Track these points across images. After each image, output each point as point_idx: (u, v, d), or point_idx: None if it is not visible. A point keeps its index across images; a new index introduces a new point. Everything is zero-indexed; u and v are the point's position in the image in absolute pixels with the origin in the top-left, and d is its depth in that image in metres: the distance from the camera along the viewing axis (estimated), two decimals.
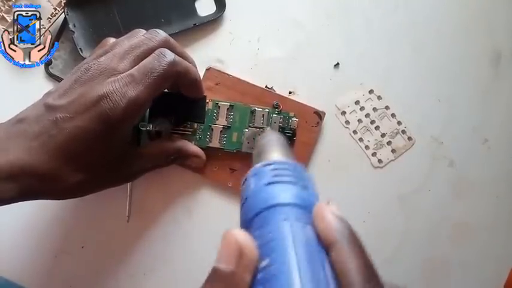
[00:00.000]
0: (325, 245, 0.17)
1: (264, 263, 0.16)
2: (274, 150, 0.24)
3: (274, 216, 0.18)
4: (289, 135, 0.42)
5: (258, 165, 0.22)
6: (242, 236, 0.17)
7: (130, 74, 0.32)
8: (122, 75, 0.32)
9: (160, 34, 0.35)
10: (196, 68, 0.39)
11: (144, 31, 0.36)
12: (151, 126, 0.39)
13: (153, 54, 0.33)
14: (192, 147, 0.40)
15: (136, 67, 0.32)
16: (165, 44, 0.35)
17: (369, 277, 0.16)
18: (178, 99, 0.40)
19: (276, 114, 0.42)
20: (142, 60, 0.33)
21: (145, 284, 0.43)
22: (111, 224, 0.43)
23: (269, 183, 0.20)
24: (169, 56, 0.33)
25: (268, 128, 0.41)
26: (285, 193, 0.20)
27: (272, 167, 0.21)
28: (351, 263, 0.17)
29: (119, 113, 0.31)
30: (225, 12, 0.44)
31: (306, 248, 0.17)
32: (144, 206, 0.43)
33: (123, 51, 0.33)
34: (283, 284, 0.15)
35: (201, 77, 0.43)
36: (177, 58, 0.34)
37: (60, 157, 0.31)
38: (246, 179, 0.22)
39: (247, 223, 0.19)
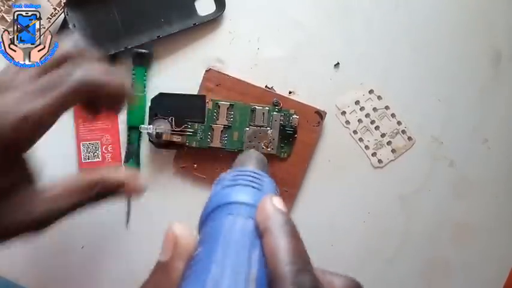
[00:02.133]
0: (260, 234, 0.18)
1: (196, 251, 0.17)
2: (247, 163, 0.25)
3: (221, 213, 0.19)
4: (290, 133, 0.42)
5: (223, 174, 0.23)
6: (178, 228, 0.18)
7: (28, 88, 0.26)
8: (18, 89, 0.26)
9: (70, 41, 0.28)
10: (122, 79, 0.29)
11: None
12: (151, 128, 0.39)
13: (61, 67, 0.27)
14: (116, 174, 0.29)
15: (37, 81, 0.26)
16: (76, 52, 0.28)
17: (297, 259, 0.16)
18: (177, 100, 0.40)
19: (276, 112, 0.42)
20: (48, 71, 0.27)
21: None
22: (111, 224, 0.43)
23: (226, 187, 0.21)
24: (79, 71, 0.26)
25: (252, 150, 0.41)
26: (236, 194, 0.20)
27: (232, 174, 0.22)
28: (278, 246, 0.17)
29: (6, 130, 0.24)
30: (224, 11, 0.44)
31: (238, 237, 0.17)
32: (144, 207, 0.43)
33: None
34: (203, 267, 0.16)
35: (201, 78, 0.43)
36: (90, 72, 0.26)
37: None
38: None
39: (201, 225, 0.20)
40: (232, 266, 0.16)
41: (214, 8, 0.44)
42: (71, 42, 0.28)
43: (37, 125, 0.25)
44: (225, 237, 0.17)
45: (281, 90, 0.44)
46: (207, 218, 0.20)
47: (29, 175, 0.27)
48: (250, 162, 0.25)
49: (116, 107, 0.29)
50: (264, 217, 0.18)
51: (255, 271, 0.16)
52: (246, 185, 0.21)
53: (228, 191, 0.20)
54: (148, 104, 0.42)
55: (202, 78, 0.43)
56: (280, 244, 0.17)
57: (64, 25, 0.43)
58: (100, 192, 0.28)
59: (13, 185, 0.26)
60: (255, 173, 0.22)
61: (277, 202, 0.19)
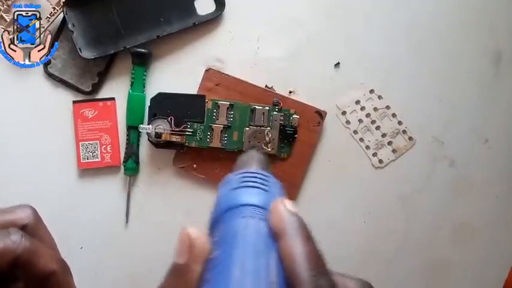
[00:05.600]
0: (275, 237, 0.18)
1: (214, 254, 0.18)
2: (250, 164, 0.25)
3: (233, 216, 0.20)
4: (291, 133, 0.42)
5: (229, 175, 0.23)
6: (194, 231, 0.18)
7: None
8: None
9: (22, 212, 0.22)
10: (57, 258, 0.22)
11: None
12: (150, 128, 0.39)
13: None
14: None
15: None
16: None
17: (314, 264, 0.17)
18: (176, 100, 0.40)
19: (276, 112, 0.42)
20: None
21: (145, 284, 0.42)
22: (110, 224, 0.43)
23: (234, 189, 0.21)
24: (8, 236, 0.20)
25: (253, 150, 0.42)
26: (246, 196, 0.21)
27: (241, 175, 0.23)
28: (295, 250, 0.17)
29: None
30: (224, 11, 0.44)
31: (255, 239, 0.18)
32: (143, 207, 0.43)
33: None
34: (223, 270, 0.16)
35: (201, 78, 0.43)
36: (18, 239, 0.20)
37: None
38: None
39: (212, 227, 0.21)
40: (253, 269, 0.16)
41: (214, 7, 0.44)
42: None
43: None
44: (242, 240, 0.18)
45: (281, 90, 0.43)
46: (218, 221, 0.20)
47: None
48: (253, 162, 0.25)
49: None
50: (277, 220, 0.18)
51: (274, 274, 0.16)
52: (254, 186, 0.21)
53: (237, 193, 0.21)
54: (148, 103, 0.42)
55: (201, 78, 0.43)
56: (297, 248, 0.17)
57: (63, 25, 0.43)
58: None
59: None
60: (261, 174, 0.23)
61: (290, 205, 0.19)
